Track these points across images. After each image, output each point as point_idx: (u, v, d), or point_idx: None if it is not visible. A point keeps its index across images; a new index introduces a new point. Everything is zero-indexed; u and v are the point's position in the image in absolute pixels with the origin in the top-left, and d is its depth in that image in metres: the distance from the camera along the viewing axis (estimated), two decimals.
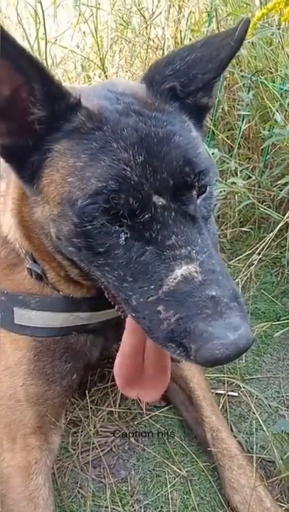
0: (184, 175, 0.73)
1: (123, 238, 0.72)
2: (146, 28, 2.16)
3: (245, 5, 1.77)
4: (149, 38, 2.14)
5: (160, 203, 0.71)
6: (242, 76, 1.70)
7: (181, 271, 0.68)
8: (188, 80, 0.81)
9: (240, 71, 1.74)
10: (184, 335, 0.65)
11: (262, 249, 1.43)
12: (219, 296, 0.66)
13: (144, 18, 2.16)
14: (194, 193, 0.75)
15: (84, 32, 2.32)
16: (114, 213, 0.70)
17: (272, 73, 1.58)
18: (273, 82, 1.56)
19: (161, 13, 2.13)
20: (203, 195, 0.77)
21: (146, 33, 2.17)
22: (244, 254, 1.53)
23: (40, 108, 0.75)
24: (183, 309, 0.66)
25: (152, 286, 0.69)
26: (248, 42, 1.60)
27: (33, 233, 0.90)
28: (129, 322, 0.82)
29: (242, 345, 0.63)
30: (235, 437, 1.10)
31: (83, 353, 1.04)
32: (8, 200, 0.97)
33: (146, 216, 0.70)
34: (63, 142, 0.76)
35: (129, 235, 0.72)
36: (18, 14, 1.90)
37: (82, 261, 0.79)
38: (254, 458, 1.03)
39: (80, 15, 2.17)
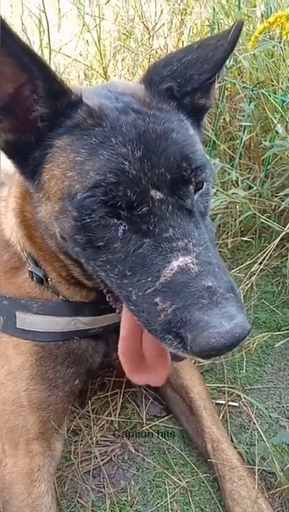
0: (181, 170, 0.75)
1: (121, 231, 0.73)
2: (148, 38, 2.18)
3: (247, 17, 1.80)
4: (151, 48, 2.17)
5: (158, 197, 0.72)
6: (244, 87, 1.72)
7: (177, 262, 0.69)
8: (184, 81, 0.84)
9: (242, 82, 1.76)
10: (181, 325, 0.66)
11: (263, 259, 1.44)
12: (215, 286, 0.67)
13: (147, 28, 2.19)
14: (191, 187, 0.77)
15: (87, 41, 2.35)
16: (112, 205, 0.72)
17: (273, 85, 1.59)
18: (274, 93, 1.58)
19: (164, 24, 2.16)
20: (200, 191, 0.79)
21: (149, 43, 2.19)
22: (245, 264, 1.53)
23: (42, 105, 0.77)
24: (179, 300, 0.67)
25: (150, 279, 0.70)
26: (250, 54, 1.62)
27: (36, 232, 0.92)
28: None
29: (238, 334, 0.63)
30: (236, 448, 1.09)
31: (85, 359, 1.04)
32: (10, 199, 0.99)
33: (144, 209, 0.72)
34: (64, 138, 0.78)
35: (127, 228, 0.73)
36: (22, 23, 1.92)
37: (88, 261, 0.80)
38: (256, 470, 1.03)
39: (84, 25, 2.19)
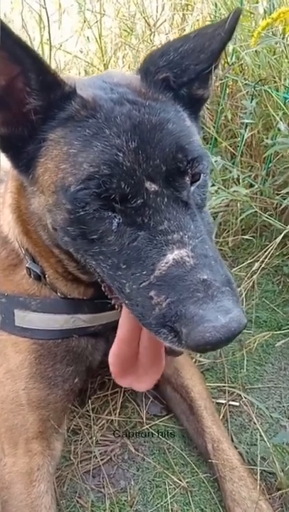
0: (176, 161, 0.73)
1: (115, 224, 0.72)
2: (150, 34, 2.17)
3: (249, 13, 1.78)
4: (153, 45, 2.15)
5: (152, 189, 0.71)
6: (245, 84, 1.70)
7: (172, 255, 0.68)
8: (180, 71, 0.82)
9: (244, 79, 1.74)
10: (175, 319, 0.65)
11: (264, 258, 1.43)
12: (211, 280, 0.66)
13: (149, 24, 2.17)
14: (187, 179, 0.75)
15: (88, 37, 2.33)
16: (105, 197, 0.71)
17: (275, 82, 1.58)
18: (277, 90, 1.56)
19: (165, 20, 2.14)
20: (197, 183, 0.78)
21: (151, 40, 2.18)
22: (246, 263, 1.52)
23: (35, 98, 0.75)
24: (174, 293, 0.66)
25: (144, 272, 0.69)
26: (252, 51, 1.60)
27: (31, 226, 0.91)
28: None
29: (233, 328, 0.62)
30: (236, 448, 1.09)
31: (85, 357, 1.03)
32: (6, 195, 0.98)
33: (139, 201, 0.71)
34: (58, 131, 0.77)
35: (121, 221, 0.72)
36: (22, 19, 1.90)
37: (78, 251, 0.79)
38: (258, 471, 1.02)
39: (84, 21, 2.18)
